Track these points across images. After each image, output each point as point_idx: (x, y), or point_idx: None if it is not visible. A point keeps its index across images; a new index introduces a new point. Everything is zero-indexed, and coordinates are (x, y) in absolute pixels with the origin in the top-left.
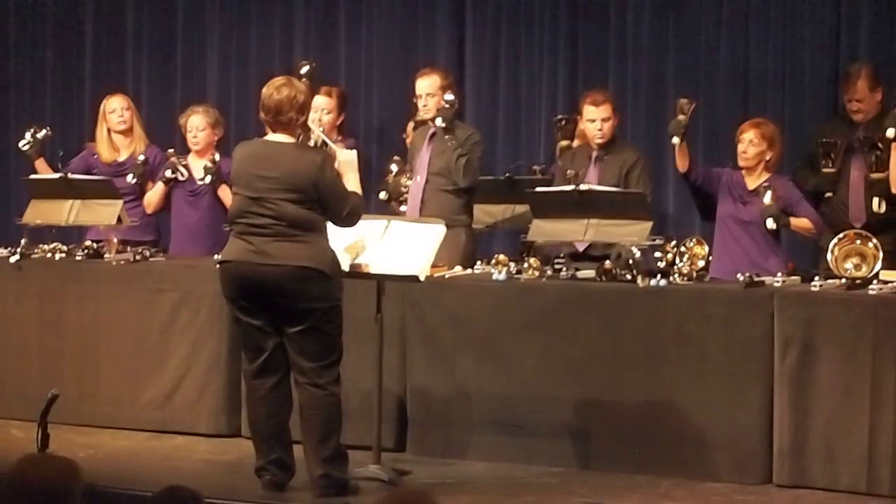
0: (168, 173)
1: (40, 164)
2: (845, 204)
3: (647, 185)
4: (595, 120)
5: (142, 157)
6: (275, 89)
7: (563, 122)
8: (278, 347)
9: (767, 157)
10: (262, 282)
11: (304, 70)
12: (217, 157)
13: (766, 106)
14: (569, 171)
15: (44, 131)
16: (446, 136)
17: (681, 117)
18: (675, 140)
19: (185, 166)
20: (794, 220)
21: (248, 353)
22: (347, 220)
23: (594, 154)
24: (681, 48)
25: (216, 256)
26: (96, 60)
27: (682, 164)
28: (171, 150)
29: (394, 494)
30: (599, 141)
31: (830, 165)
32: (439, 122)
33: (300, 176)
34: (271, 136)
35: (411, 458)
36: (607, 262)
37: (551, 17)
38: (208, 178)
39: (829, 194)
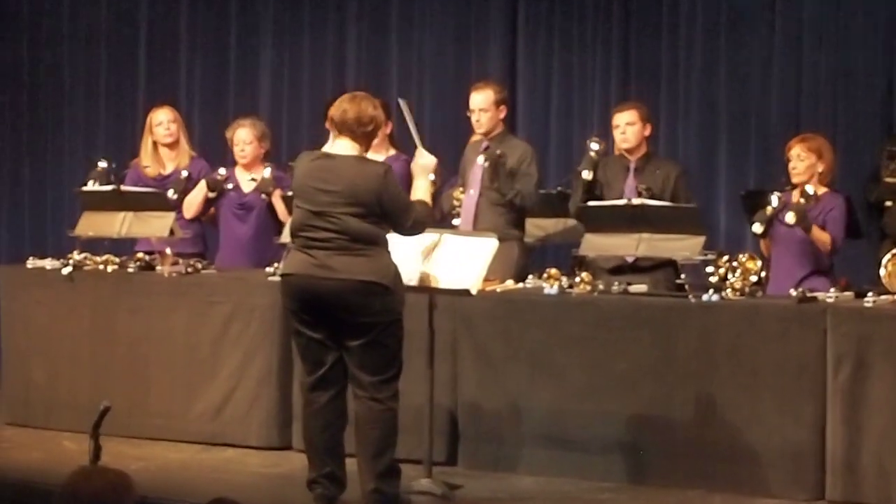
0: (211, 185)
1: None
2: None
3: (691, 199)
4: (619, 125)
5: (185, 173)
6: (349, 98)
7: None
8: (338, 361)
9: (820, 170)
10: (324, 295)
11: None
12: (268, 171)
13: (818, 122)
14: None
15: (101, 164)
16: (493, 181)
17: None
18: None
19: (229, 180)
20: (816, 229)
21: (307, 365)
22: (412, 231)
23: (632, 165)
24: (733, 65)
25: (268, 269)
26: (150, 73)
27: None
28: (222, 172)
29: None
30: (625, 146)
31: (893, 175)
32: (481, 160)
33: (363, 189)
34: (334, 147)
35: (463, 471)
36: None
37: (604, 31)
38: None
39: (888, 203)
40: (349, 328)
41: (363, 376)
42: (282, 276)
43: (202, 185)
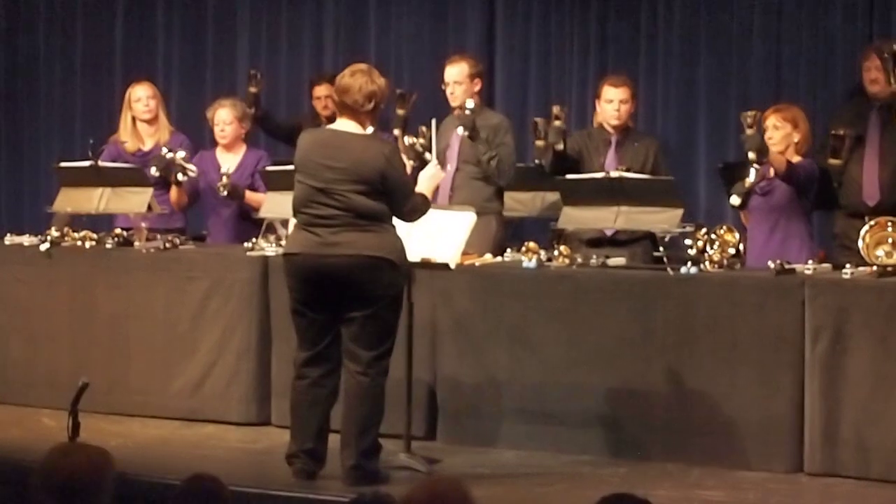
0: (179, 176)
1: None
2: (859, 182)
3: (668, 173)
4: (613, 101)
5: (165, 150)
6: (349, 73)
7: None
8: (334, 340)
9: (796, 139)
10: (331, 273)
11: None
12: (227, 176)
13: (798, 95)
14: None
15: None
16: (472, 142)
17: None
18: (752, 156)
19: (190, 162)
20: (773, 153)
21: (303, 343)
22: (409, 216)
23: (613, 139)
24: (712, 37)
25: (246, 244)
26: (126, 50)
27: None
28: (179, 154)
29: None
30: (615, 123)
31: (838, 158)
32: (460, 131)
33: (367, 167)
34: (338, 124)
35: (441, 446)
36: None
37: (582, 4)
38: (225, 192)
39: (834, 185)
40: (353, 302)
41: (358, 350)
42: (285, 254)
43: (174, 187)
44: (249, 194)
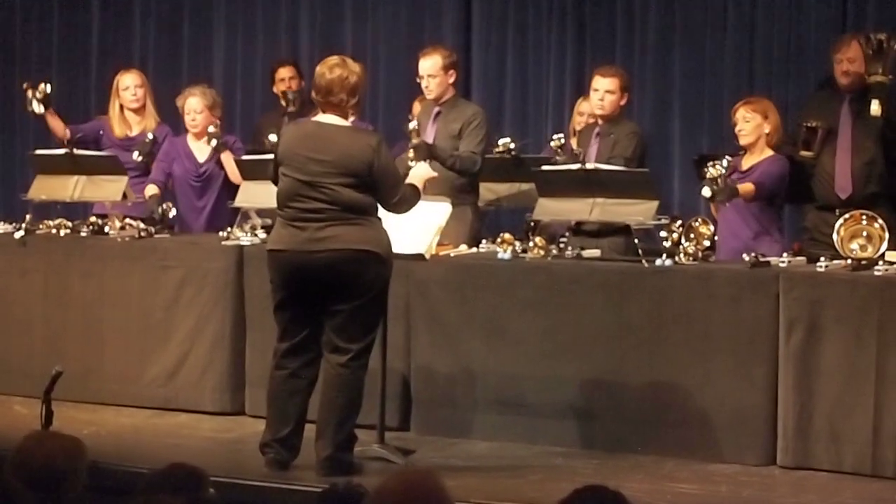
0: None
1: (52, 117)
2: (831, 175)
3: (630, 151)
4: (598, 90)
5: (150, 136)
6: (327, 69)
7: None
8: (315, 331)
9: (766, 131)
10: (317, 269)
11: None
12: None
13: (771, 88)
14: (576, 149)
15: (42, 86)
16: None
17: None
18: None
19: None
20: (740, 186)
21: (284, 334)
22: (397, 207)
23: (597, 130)
24: (687, 31)
25: (220, 234)
26: (103, 37)
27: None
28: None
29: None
30: (599, 112)
31: (810, 150)
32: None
33: (355, 159)
34: (322, 118)
35: (415, 437)
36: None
37: None
38: (214, 142)
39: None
40: (338, 295)
41: (340, 342)
42: (269, 251)
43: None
44: (226, 159)
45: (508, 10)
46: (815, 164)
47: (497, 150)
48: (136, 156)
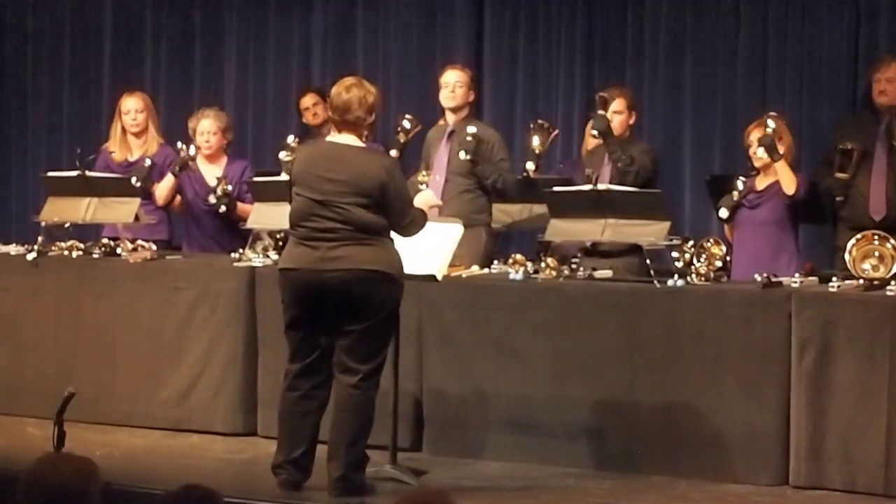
0: (177, 169)
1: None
2: (865, 196)
3: (642, 164)
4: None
5: (148, 161)
6: (344, 88)
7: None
8: (326, 352)
9: (780, 150)
10: (329, 288)
11: None
12: (229, 187)
13: (784, 107)
14: (588, 171)
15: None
16: (474, 167)
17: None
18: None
19: (194, 161)
20: (783, 163)
21: (296, 355)
22: (406, 230)
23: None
24: (698, 49)
25: (233, 255)
26: (115, 59)
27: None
28: (181, 146)
29: (412, 495)
30: None
31: (845, 172)
32: (463, 155)
33: (368, 179)
34: (337, 137)
35: (428, 457)
36: None
37: (569, 16)
38: (221, 205)
39: (839, 198)
40: (350, 315)
41: (351, 363)
42: (281, 269)
43: (170, 176)
44: (239, 205)
45: (519, 32)
46: (850, 186)
47: None
48: (133, 181)
